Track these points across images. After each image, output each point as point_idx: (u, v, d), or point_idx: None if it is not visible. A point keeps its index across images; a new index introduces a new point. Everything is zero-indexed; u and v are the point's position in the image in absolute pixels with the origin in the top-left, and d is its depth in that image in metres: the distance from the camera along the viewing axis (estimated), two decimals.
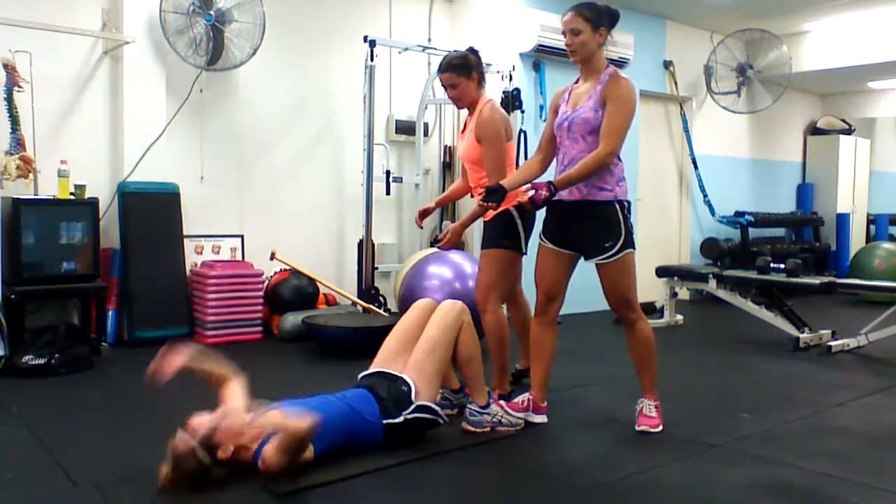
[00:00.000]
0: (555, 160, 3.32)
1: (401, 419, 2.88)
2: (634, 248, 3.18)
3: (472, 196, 3.76)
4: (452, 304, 3.18)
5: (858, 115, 9.99)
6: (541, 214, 3.35)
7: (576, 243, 3.22)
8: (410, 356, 3.07)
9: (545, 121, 6.27)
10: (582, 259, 3.27)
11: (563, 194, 3.19)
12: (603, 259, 3.13)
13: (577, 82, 3.30)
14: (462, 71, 3.47)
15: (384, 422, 2.86)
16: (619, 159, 3.18)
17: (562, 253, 3.25)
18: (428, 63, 6.46)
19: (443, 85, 3.56)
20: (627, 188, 3.23)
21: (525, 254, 3.53)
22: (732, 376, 4.47)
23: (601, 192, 3.13)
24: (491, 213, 3.49)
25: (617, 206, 3.15)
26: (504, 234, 3.46)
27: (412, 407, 2.90)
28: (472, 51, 3.57)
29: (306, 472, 2.63)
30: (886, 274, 7.19)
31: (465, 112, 3.67)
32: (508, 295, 3.74)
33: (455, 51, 3.62)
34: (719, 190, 7.98)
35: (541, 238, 3.33)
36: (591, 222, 3.14)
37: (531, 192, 3.07)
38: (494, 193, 3.10)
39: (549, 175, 3.40)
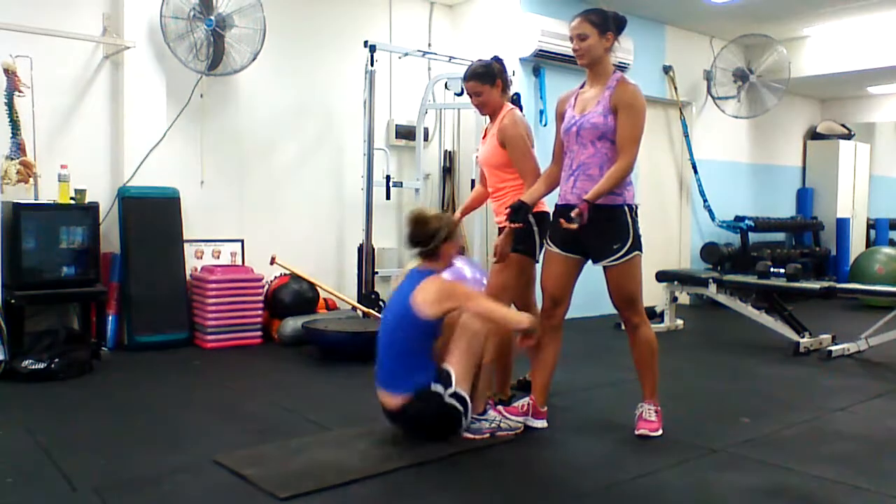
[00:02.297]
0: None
1: (449, 391, 2.99)
2: (642, 251, 3.20)
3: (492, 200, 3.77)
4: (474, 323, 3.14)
5: (858, 120, 10.00)
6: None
7: (584, 247, 3.23)
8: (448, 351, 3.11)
9: (545, 125, 6.36)
10: (586, 264, 3.28)
11: (572, 199, 3.20)
12: (611, 261, 3.14)
13: (582, 87, 3.31)
14: (486, 79, 3.52)
15: (433, 384, 2.99)
16: None
17: (569, 257, 3.26)
18: (428, 68, 6.47)
19: (468, 93, 3.61)
20: (634, 192, 3.24)
21: (538, 261, 3.55)
22: (732, 381, 4.46)
23: (610, 196, 3.13)
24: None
25: (626, 209, 3.16)
26: (520, 240, 3.47)
27: (453, 390, 2.99)
28: (497, 59, 3.63)
29: (308, 475, 2.63)
30: (886, 279, 7.18)
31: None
32: (522, 305, 3.75)
33: (479, 60, 3.65)
34: (719, 194, 7.99)
35: (547, 243, 3.33)
36: (601, 226, 3.14)
37: (575, 222, 3.02)
38: (518, 212, 3.19)
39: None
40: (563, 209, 3.26)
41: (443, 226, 3.14)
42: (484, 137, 3.68)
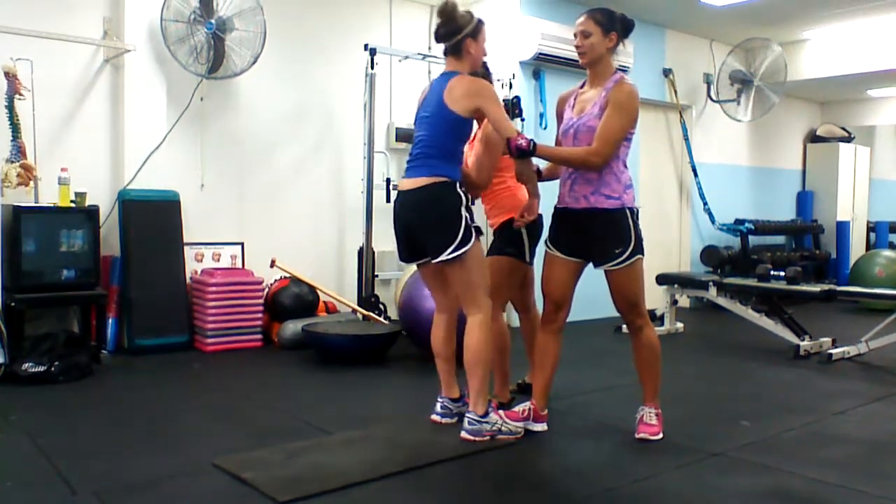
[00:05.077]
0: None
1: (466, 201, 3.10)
2: (643, 254, 3.18)
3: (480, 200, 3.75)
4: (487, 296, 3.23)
5: (858, 123, 10.01)
6: (547, 222, 3.35)
7: (584, 251, 3.22)
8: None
9: (545, 128, 6.36)
10: (586, 267, 3.27)
11: (571, 202, 3.19)
12: (613, 266, 3.13)
13: (582, 87, 3.29)
14: None
15: (457, 180, 3.12)
16: (626, 166, 3.18)
17: (569, 261, 3.25)
18: (428, 71, 6.47)
19: None
20: (634, 195, 3.23)
21: (530, 263, 3.55)
22: (733, 384, 4.46)
23: (609, 199, 3.12)
24: (498, 221, 3.52)
25: (627, 212, 3.14)
26: (509, 242, 3.47)
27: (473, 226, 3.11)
28: (482, 65, 3.59)
29: (308, 479, 2.63)
30: (886, 281, 7.18)
31: None
32: (521, 307, 3.75)
33: None
34: (719, 198, 7.99)
35: (547, 246, 3.31)
36: (601, 230, 3.14)
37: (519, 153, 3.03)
38: (527, 151, 3.03)
39: (554, 188, 3.41)
40: (562, 213, 3.26)
41: (469, 22, 3.15)
42: (472, 141, 3.65)
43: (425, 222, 3.13)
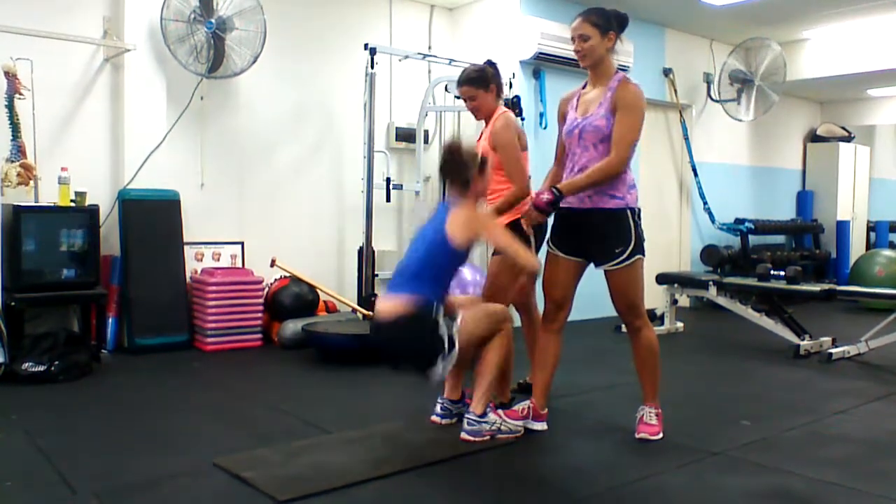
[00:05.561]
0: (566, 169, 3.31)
1: (447, 327, 3.04)
2: (644, 255, 3.18)
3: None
4: (502, 309, 3.25)
5: (858, 123, 10.00)
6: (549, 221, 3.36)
7: (586, 250, 3.22)
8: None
9: (545, 128, 6.36)
10: (587, 267, 3.27)
11: (574, 202, 3.19)
12: (613, 265, 3.13)
13: (584, 88, 3.29)
14: (480, 84, 3.55)
15: (437, 309, 3.04)
16: (629, 167, 3.18)
17: (570, 260, 3.25)
18: (428, 71, 6.47)
19: (462, 97, 3.64)
20: (637, 195, 3.23)
21: None
22: (733, 384, 4.46)
23: (612, 199, 3.12)
24: (502, 221, 3.52)
25: (629, 212, 3.15)
26: None
27: (451, 332, 3.04)
28: (490, 63, 3.66)
29: (308, 478, 2.63)
30: (886, 281, 7.18)
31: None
32: (523, 308, 3.75)
33: (473, 64, 3.67)
34: (719, 197, 7.99)
35: (549, 245, 3.32)
36: (603, 229, 3.14)
37: (545, 212, 3.15)
38: (557, 203, 3.14)
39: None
40: (564, 213, 3.26)
41: (475, 159, 3.19)
42: (479, 140, 3.68)
43: (404, 353, 3.18)
